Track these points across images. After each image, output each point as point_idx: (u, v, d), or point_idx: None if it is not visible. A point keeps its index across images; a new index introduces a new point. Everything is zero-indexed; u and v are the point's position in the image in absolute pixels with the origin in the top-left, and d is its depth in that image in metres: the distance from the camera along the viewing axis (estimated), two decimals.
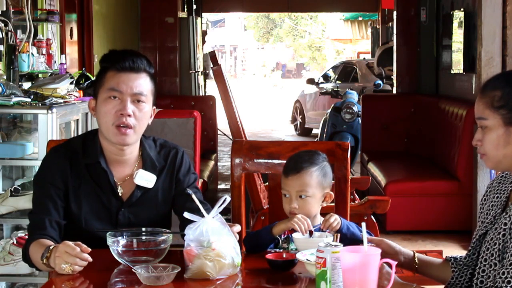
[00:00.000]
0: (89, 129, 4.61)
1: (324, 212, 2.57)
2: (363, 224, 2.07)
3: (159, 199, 2.55)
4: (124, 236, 2.27)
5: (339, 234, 2.37)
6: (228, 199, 2.22)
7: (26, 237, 2.59)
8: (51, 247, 2.24)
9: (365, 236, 2.04)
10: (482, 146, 2.11)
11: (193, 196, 2.26)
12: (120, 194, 2.50)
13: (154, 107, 2.54)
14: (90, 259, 2.18)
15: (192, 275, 2.12)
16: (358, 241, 2.38)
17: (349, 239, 2.39)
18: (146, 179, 2.50)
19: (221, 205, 2.18)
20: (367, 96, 8.29)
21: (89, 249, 2.18)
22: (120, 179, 2.52)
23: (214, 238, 2.12)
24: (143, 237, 2.30)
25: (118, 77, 2.44)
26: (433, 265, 2.35)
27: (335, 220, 2.45)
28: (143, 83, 2.46)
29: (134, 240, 2.27)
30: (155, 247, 2.23)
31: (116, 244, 2.22)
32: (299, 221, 2.40)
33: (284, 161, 2.74)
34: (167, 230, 2.37)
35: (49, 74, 4.95)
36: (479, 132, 2.12)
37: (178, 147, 2.63)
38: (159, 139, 2.63)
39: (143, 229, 2.35)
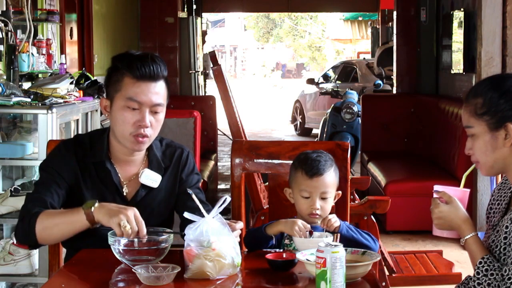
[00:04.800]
0: (89, 129, 4.61)
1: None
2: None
3: (163, 199, 2.55)
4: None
5: (339, 234, 2.37)
6: (228, 199, 2.22)
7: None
8: (96, 202, 2.24)
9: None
10: (474, 154, 2.14)
11: (193, 196, 2.26)
12: (125, 194, 2.51)
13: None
14: (145, 239, 2.21)
15: (192, 275, 2.12)
16: (356, 244, 2.37)
17: (347, 242, 2.39)
18: (152, 178, 2.51)
19: (221, 205, 2.18)
20: (367, 96, 8.28)
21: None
22: (126, 178, 2.52)
23: (214, 238, 2.12)
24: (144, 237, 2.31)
25: (137, 87, 2.41)
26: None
27: (334, 217, 2.46)
28: (161, 92, 2.45)
29: (135, 239, 2.27)
30: (155, 246, 2.24)
31: (117, 243, 2.22)
32: (300, 230, 2.40)
33: (284, 161, 2.74)
34: (168, 230, 2.37)
35: (49, 74, 4.95)
36: (469, 140, 2.17)
37: (184, 147, 2.63)
38: (165, 139, 2.63)
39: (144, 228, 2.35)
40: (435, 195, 2.22)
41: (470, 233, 2.13)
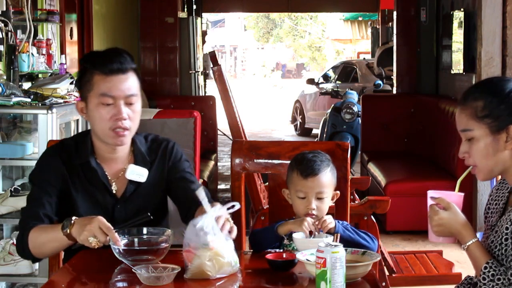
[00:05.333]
0: (89, 128, 4.61)
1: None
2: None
3: (153, 192, 2.56)
4: (126, 235, 2.29)
5: (339, 234, 2.37)
6: (238, 206, 2.22)
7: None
8: (73, 218, 2.26)
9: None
10: (470, 157, 2.13)
11: (200, 197, 2.24)
12: (114, 191, 2.52)
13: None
14: (121, 245, 2.20)
15: (192, 275, 2.12)
16: (354, 244, 2.37)
17: (344, 242, 2.39)
18: (138, 173, 2.51)
19: (229, 208, 2.19)
20: (367, 96, 8.28)
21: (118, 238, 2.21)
22: (113, 176, 2.54)
23: (211, 237, 2.12)
24: (144, 236, 2.32)
25: (108, 82, 2.43)
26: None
27: (329, 218, 2.46)
28: (132, 83, 2.47)
29: (135, 239, 2.29)
30: (156, 246, 2.24)
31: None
32: (309, 226, 2.40)
33: (284, 161, 2.74)
34: (168, 229, 2.36)
35: (49, 74, 4.95)
36: (465, 144, 2.13)
37: (169, 139, 2.64)
38: (151, 135, 2.65)
39: (145, 228, 2.36)
40: (430, 201, 2.19)
41: (472, 239, 2.10)
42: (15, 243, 3.80)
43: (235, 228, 2.23)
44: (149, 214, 2.35)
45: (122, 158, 2.55)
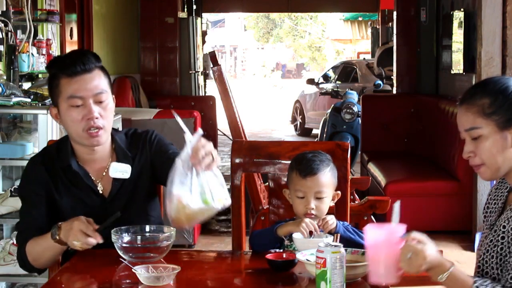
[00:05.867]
0: None
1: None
2: (396, 205, 2.03)
3: (141, 184, 2.56)
4: (128, 233, 2.31)
5: (339, 234, 2.37)
6: (200, 131, 2.28)
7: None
8: (59, 224, 2.31)
9: (396, 214, 2.03)
10: (477, 156, 2.10)
11: (177, 118, 2.27)
12: (100, 192, 2.52)
13: (113, 96, 2.54)
14: (101, 240, 2.27)
15: (173, 225, 2.22)
16: (354, 245, 2.37)
17: (344, 243, 2.39)
18: (121, 170, 2.51)
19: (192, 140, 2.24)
20: (367, 96, 8.28)
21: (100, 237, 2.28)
22: (97, 176, 2.54)
23: (177, 189, 2.16)
24: (147, 234, 2.34)
25: (74, 83, 2.43)
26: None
27: (331, 218, 2.46)
28: (99, 81, 2.46)
29: (138, 236, 2.31)
30: (157, 244, 2.25)
31: (120, 241, 2.25)
32: (308, 227, 2.40)
33: (284, 161, 2.74)
34: (171, 227, 2.36)
35: None
36: (470, 143, 2.09)
37: (148, 130, 2.64)
38: (131, 130, 2.64)
39: (147, 226, 2.39)
40: (371, 238, 2.00)
41: (452, 263, 2.04)
42: (15, 243, 3.80)
43: (217, 160, 2.24)
44: (119, 212, 2.37)
45: (103, 157, 2.54)
